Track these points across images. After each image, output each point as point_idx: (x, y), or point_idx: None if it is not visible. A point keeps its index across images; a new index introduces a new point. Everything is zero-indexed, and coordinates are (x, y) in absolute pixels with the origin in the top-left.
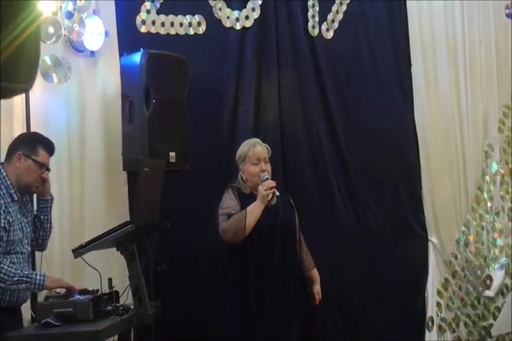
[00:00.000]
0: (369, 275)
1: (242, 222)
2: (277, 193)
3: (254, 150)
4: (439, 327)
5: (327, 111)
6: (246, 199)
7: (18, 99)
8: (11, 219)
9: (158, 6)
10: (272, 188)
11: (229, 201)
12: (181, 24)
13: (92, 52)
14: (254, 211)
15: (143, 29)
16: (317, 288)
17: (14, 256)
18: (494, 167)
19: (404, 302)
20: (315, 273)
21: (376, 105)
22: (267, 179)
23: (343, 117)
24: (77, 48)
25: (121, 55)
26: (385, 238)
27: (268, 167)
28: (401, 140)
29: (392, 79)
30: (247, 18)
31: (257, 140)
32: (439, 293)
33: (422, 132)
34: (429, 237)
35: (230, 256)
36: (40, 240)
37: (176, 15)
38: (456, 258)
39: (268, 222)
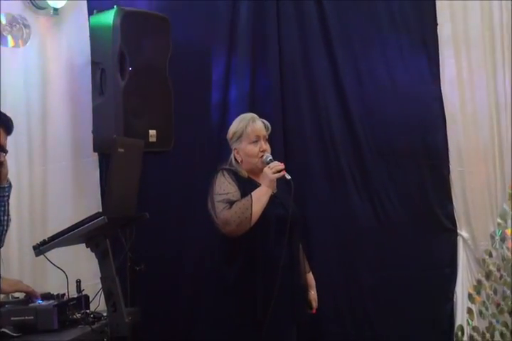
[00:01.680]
0: (387, 276)
1: (247, 211)
2: (288, 176)
3: (253, 126)
4: (471, 338)
5: (337, 85)
6: (245, 184)
7: None
8: None
9: None
10: (280, 171)
11: (227, 186)
12: None
13: (56, 10)
14: (261, 198)
15: None
16: (313, 295)
17: None
18: None
19: (429, 309)
20: (311, 278)
21: (396, 77)
22: (270, 160)
23: (356, 92)
24: (38, 5)
25: (90, 13)
26: (407, 232)
27: (267, 146)
28: (425, 117)
29: (416, 44)
30: None
31: (254, 115)
32: (470, 297)
33: (451, 107)
34: (458, 231)
35: (229, 252)
36: None
37: None
38: (490, 255)
39: (275, 213)
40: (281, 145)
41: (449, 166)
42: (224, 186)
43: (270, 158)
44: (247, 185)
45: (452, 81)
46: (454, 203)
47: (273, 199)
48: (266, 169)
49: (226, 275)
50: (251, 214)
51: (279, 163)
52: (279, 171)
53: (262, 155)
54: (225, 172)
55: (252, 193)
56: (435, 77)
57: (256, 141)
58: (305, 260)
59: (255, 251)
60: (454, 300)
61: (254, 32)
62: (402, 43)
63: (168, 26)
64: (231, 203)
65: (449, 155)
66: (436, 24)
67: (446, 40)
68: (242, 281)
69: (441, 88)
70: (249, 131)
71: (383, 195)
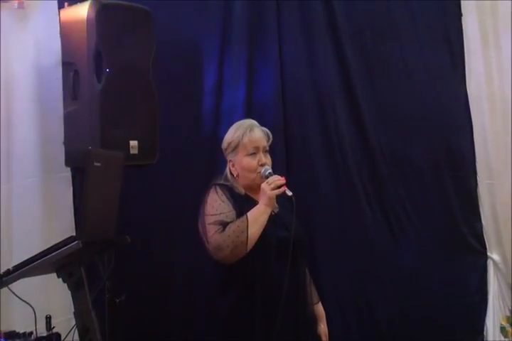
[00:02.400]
0: (406, 305)
1: (243, 234)
2: (289, 193)
3: (251, 136)
4: None
5: (347, 87)
6: (241, 202)
7: None
8: None
9: None
10: (280, 186)
11: (220, 204)
12: None
13: (21, 3)
14: (259, 218)
15: None
16: (323, 328)
17: None
18: None
19: None
20: (320, 309)
21: (414, 74)
22: (270, 174)
23: (369, 92)
24: None
25: (61, 6)
26: (427, 255)
27: (268, 159)
28: (448, 121)
29: (437, 37)
30: None
31: (253, 122)
32: (502, 330)
33: (478, 110)
34: (488, 253)
35: (222, 281)
36: None
37: None
38: None
39: (276, 235)
40: (282, 157)
41: (476, 178)
42: (216, 205)
43: (269, 171)
44: (243, 204)
45: (479, 79)
46: (482, 221)
47: (274, 219)
48: (264, 185)
49: (219, 307)
50: (247, 238)
51: (279, 178)
52: (279, 187)
53: (260, 170)
54: (218, 189)
55: (248, 213)
56: (459, 76)
57: (254, 153)
58: (312, 288)
59: (253, 279)
60: (485, 333)
61: (250, 27)
62: (420, 37)
63: (151, 21)
64: (224, 225)
65: (477, 166)
66: (461, 14)
67: (472, 32)
68: (237, 314)
69: (467, 88)
70: (246, 141)
71: (400, 211)
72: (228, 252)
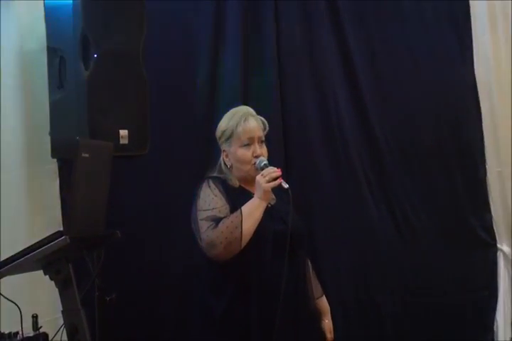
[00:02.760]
0: (411, 301)
1: (237, 230)
2: (286, 185)
3: (245, 126)
4: None
5: (348, 72)
6: (235, 196)
7: None
8: None
9: None
10: (276, 179)
11: (213, 199)
12: None
13: None
14: (254, 212)
15: None
16: (328, 324)
17: None
18: None
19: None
20: (324, 303)
21: (419, 58)
22: (265, 165)
23: (371, 79)
24: None
25: None
26: (435, 248)
27: (264, 150)
28: (456, 107)
29: (443, 19)
30: None
31: (249, 109)
32: None
33: (487, 95)
34: (498, 245)
35: (216, 279)
36: None
37: None
38: None
39: (272, 229)
40: (280, 147)
41: (485, 167)
42: (209, 200)
43: (265, 162)
44: (238, 197)
45: (488, 63)
46: (492, 212)
47: (270, 212)
48: (259, 177)
49: (213, 307)
50: (241, 234)
51: (275, 169)
52: (274, 179)
53: (255, 162)
54: (211, 182)
55: (243, 207)
56: (467, 58)
57: (248, 144)
58: (315, 282)
59: (249, 276)
60: (495, 329)
61: (246, 10)
62: (425, 18)
63: (142, 4)
64: (217, 221)
65: (486, 154)
66: None
67: (480, 12)
68: (232, 314)
69: (475, 71)
70: (240, 131)
71: (405, 202)
72: (222, 249)
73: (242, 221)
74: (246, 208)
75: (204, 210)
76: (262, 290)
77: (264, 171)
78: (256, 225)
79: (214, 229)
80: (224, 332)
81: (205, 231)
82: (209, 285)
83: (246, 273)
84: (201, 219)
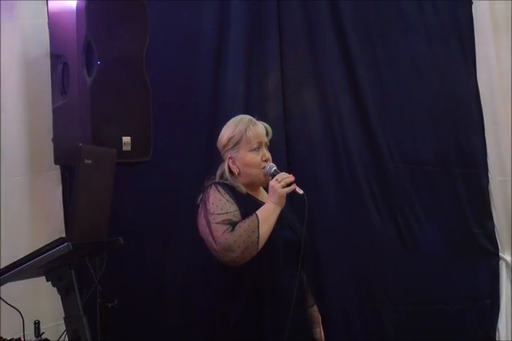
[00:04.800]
0: (413, 309)
1: (254, 234)
2: (300, 191)
3: (254, 130)
4: None
5: (351, 77)
6: (244, 202)
7: None
8: None
9: None
10: (290, 184)
11: (225, 203)
12: None
13: None
14: (269, 217)
15: None
16: (320, 333)
17: None
18: None
19: None
20: (316, 312)
21: (422, 67)
22: (275, 171)
23: (373, 85)
24: None
25: None
26: (437, 256)
27: (269, 155)
28: (458, 115)
29: (446, 26)
30: None
31: (252, 117)
32: None
33: (489, 104)
34: (500, 254)
35: (230, 284)
36: None
37: None
38: None
39: (283, 236)
40: (282, 153)
41: (487, 175)
42: (221, 204)
43: (275, 168)
44: (247, 203)
45: (491, 71)
46: (494, 220)
47: (280, 220)
48: (273, 182)
49: (228, 312)
50: (258, 238)
51: (288, 175)
52: (288, 184)
53: (265, 166)
54: (220, 188)
55: (258, 212)
56: (470, 67)
57: (258, 148)
58: (309, 291)
59: (262, 282)
60: (497, 339)
61: (249, 15)
62: (428, 25)
63: (145, 10)
64: (233, 224)
65: (488, 162)
66: (471, 2)
67: (483, 20)
68: (246, 321)
69: (478, 79)
70: (250, 135)
71: (408, 211)
72: (239, 253)
73: (259, 225)
74: (261, 212)
75: (218, 214)
76: (275, 297)
77: (277, 176)
78: (271, 230)
79: (231, 233)
80: (237, 337)
81: (222, 235)
82: (221, 291)
83: (259, 278)
84: (216, 223)
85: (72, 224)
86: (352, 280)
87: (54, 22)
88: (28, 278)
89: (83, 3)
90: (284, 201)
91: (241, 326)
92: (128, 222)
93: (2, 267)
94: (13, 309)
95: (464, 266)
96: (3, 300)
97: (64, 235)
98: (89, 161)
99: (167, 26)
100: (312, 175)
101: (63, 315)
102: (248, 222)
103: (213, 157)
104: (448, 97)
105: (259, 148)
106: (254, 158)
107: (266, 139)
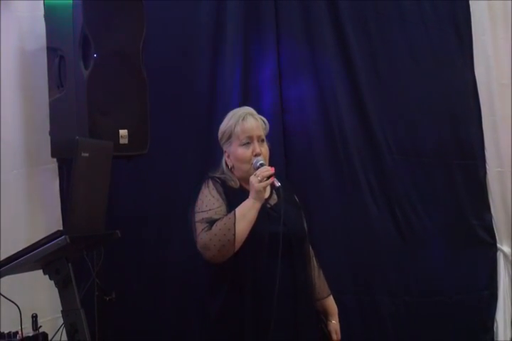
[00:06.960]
0: (412, 301)
1: (229, 232)
2: (277, 184)
3: (243, 125)
4: None
5: (349, 71)
6: (235, 196)
7: None
8: None
9: None
10: (268, 178)
11: (210, 200)
12: None
13: None
14: (247, 214)
15: None
16: (334, 325)
17: None
18: None
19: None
20: (331, 303)
21: (419, 58)
22: (261, 165)
23: (371, 78)
24: None
25: None
26: (435, 248)
27: (264, 148)
28: (456, 107)
29: (443, 18)
30: None
31: (249, 109)
32: None
33: (487, 95)
34: (498, 245)
35: (212, 280)
36: None
37: None
38: None
39: (268, 230)
40: (280, 146)
41: (485, 166)
42: (206, 200)
43: (261, 162)
44: (237, 197)
45: (488, 63)
46: (492, 211)
47: (268, 213)
48: (252, 177)
49: (209, 307)
50: (234, 236)
51: (267, 168)
52: (267, 178)
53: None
54: (210, 183)
55: (237, 209)
56: (467, 59)
57: (248, 143)
58: (321, 282)
59: (243, 278)
60: (495, 329)
61: (246, 9)
62: (426, 18)
63: (141, 2)
64: (211, 223)
65: (486, 154)
66: None
67: (480, 13)
68: (227, 314)
69: (475, 71)
70: (238, 130)
71: (406, 203)
72: (216, 251)
73: (235, 223)
74: (239, 209)
75: (200, 212)
76: (256, 291)
77: (257, 171)
78: (250, 226)
79: (207, 232)
80: (220, 333)
81: (200, 234)
82: (206, 285)
83: (240, 274)
84: (197, 221)
85: (69, 217)
86: (350, 272)
87: (50, 15)
88: (26, 271)
89: None
90: (262, 196)
91: (222, 321)
92: (125, 215)
93: None
94: (10, 302)
95: (462, 257)
96: (1, 294)
97: (61, 228)
98: (86, 154)
99: (164, 19)
100: (310, 167)
101: (61, 309)
102: (225, 220)
103: (211, 149)
104: (445, 89)
105: (249, 143)
106: (244, 152)
107: (259, 133)
